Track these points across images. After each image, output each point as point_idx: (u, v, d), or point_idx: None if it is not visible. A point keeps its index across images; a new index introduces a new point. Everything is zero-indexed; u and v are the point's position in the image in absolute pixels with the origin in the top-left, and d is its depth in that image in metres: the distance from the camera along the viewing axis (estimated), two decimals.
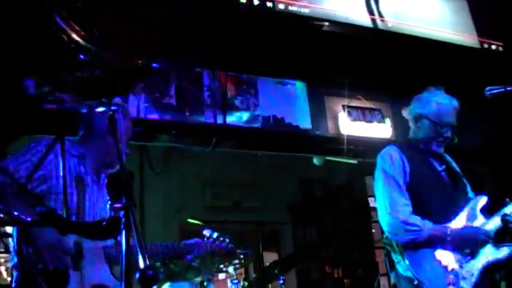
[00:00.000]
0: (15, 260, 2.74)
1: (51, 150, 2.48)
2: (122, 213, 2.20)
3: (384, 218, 3.39)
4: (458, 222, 3.41)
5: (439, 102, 3.55)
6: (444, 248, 3.29)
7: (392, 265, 3.44)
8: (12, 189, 2.70)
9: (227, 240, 3.51)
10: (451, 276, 3.16)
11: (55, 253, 2.68)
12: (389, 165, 3.48)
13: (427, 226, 3.27)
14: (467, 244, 3.28)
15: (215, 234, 3.50)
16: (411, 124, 3.68)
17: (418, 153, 3.57)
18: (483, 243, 3.31)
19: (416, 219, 3.30)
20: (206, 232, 3.50)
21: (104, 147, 3.08)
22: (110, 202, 2.34)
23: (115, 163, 3.07)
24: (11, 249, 2.73)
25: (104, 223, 2.85)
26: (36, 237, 2.68)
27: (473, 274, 3.27)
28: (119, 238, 2.81)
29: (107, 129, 2.95)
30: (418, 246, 3.28)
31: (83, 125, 3.20)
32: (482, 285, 3.30)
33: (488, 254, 3.35)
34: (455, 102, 3.58)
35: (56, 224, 2.67)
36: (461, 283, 3.21)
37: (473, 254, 3.32)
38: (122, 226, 2.50)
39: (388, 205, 3.38)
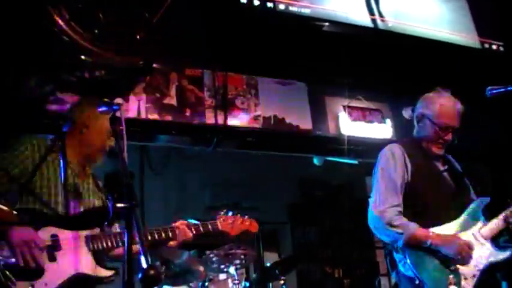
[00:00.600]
0: None
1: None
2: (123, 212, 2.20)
3: (371, 212, 3.42)
4: (459, 224, 3.42)
5: (443, 104, 3.55)
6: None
7: (393, 264, 3.44)
8: None
9: (246, 217, 3.62)
10: (452, 276, 3.16)
11: (27, 250, 2.71)
12: (389, 162, 3.49)
13: (410, 230, 3.26)
14: (447, 250, 3.27)
15: (230, 213, 3.59)
16: (415, 123, 3.69)
17: (420, 153, 3.58)
18: (462, 252, 3.28)
19: (402, 222, 3.30)
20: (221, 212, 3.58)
21: (82, 140, 3.17)
22: (109, 199, 2.38)
23: (96, 156, 3.23)
24: None
25: (81, 214, 3.04)
26: (11, 235, 2.72)
27: (474, 275, 3.27)
28: (106, 228, 3.02)
29: (83, 122, 3.16)
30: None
31: (64, 119, 3.29)
32: (484, 286, 3.30)
33: (490, 255, 3.35)
34: (459, 106, 3.57)
35: (33, 221, 2.78)
36: (463, 283, 3.22)
37: (460, 263, 3.30)
38: (107, 216, 2.65)
39: (378, 201, 3.40)
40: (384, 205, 3.36)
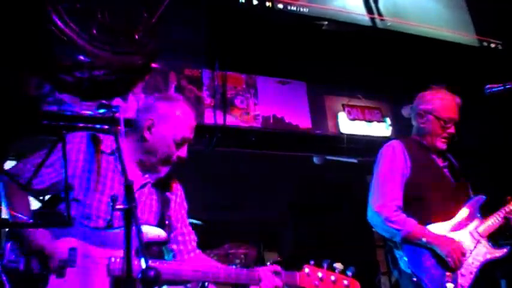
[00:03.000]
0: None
1: (53, 150, 2.40)
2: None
3: (370, 207, 3.43)
4: (456, 221, 3.42)
5: (443, 98, 3.60)
6: None
7: (395, 261, 3.45)
8: (14, 188, 2.60)
9: (349, 273, 2.94)
10: (449, 274, 3.17)
11: (40, 256, 2.46)
12: (389, 157, 3.51)
13: (407, 225, 3.28)
14: (439, 249, 3.28)
15: (339, 267, 2.93)
16: (414, 121, 3.71)
17: (420, 149, 3.60)
18: (454, 256, 3.28)
19: (400, 218, 3.31)
20: (337, 265, 2.90)
21: (143, 146, 2.91)
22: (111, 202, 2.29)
23: (159, 167, 2.94)
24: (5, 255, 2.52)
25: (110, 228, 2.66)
26: (25, 237, 2.49)
27: (471, 272, 3.28)
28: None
29: (146, 126, 2.90)
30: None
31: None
32: (481, 283, 3.31)
33: (487, 252, 3.36)
34: (457, 99, 3.63)
35: (54, 225, 2.55)
36: (460, 280, 3.23)
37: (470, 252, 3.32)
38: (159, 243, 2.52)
39: (377, 196, 3.42)
40: (382, 201, 3.38)
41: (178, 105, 3.02)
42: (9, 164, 3.01)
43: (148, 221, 2.86)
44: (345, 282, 2.86)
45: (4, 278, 2.36)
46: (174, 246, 3.02)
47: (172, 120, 2.99)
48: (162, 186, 3.03)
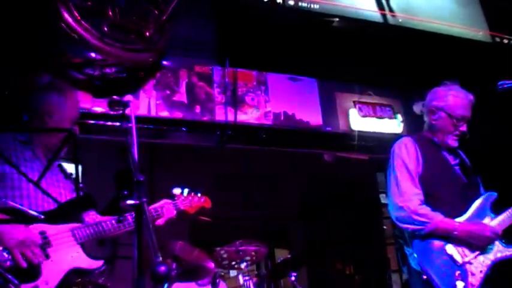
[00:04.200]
0: None
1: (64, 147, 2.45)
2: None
3: (394, 206, 3.40)
4: (467, 218, 3.40)
5: (456, 95, 3.56)
6: (454, 243, 3.28)
7: (404, 259, 3.43)
8: None
9: (199, 194, 3.66)
10: (459, 272, 3.15)
11: (27, 249, 2.69)
12: (403, 153, 3.49)
13: (436, 218, 3.27)
14: (473, 240, 3.27)
15: (186, 191, 3.62)
16: (426, 118, 3.68)
17: (432, 146, 3.57)
18: (489, 241, 3.29)
19: (427, 210, 3.30)
20: (176, 190, 3.59)
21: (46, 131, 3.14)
22: (121, 195, 2.36)
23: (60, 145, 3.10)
24: None
25: (65, 206, 2.96)
26: (4, 236, 2.68)
27: (481, 271, 3.26)
28: (84, 217, 3.01)
29: (46, 111, 3.11)
30: (424, 236, 3.29)
31: (27, 109, 3.21)
32: (495, 282, 3.29)
33: (498, 251, 3.34)
34: (470, 96, 3.59)
35: (19, 219, 2.69)
36: (470, 279, 3.20)
37: (481, 250, 3.30)
38: (85, 205, 2.83)
39: (399, 193, 3.39)
40: (406, 195, 3.36)
41: None
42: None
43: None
44: (202, 200, 3.68)
45: (9, 277, 2.50)
46: None
47: None
48: None
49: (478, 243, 3.27)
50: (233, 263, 5.20)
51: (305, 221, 8.88)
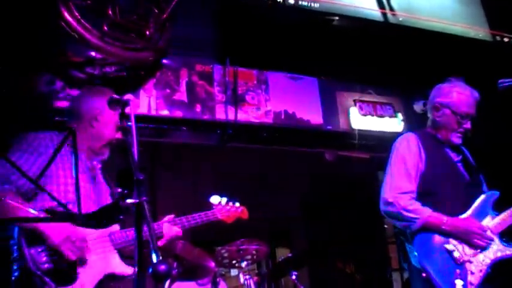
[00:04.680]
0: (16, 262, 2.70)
1: (64, 145, 2.44)
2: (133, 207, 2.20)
3: (384, 200, 3.40)
4: (468, 216, 3.39)
5: (461, 92, 3.55)
6: (454, 241, 3.28)
7: (406, 255, 3.43)
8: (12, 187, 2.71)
9: (237, 203, 3.65)
10: (459, 270, 3.14)
11: (73, 245, 2.68)
12: (404, 149, 3.48)
13: (425, 213, 3.26)
14: (461, 235, 3.26)
15: (224, 200, 3.60)
16: (429, 114, 3.67)
17: (435, 143, 3.56)
18: (476, 237, 3.27)
19: (417, 206, 3.29)
20: (214, 199, 3.57)
21: (91, 133, 3.12)
22: (118, 193, 2.37)
23: (104, 150, 3.18)
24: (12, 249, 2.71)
25: (106, 210, 2.97)
26: (50, 233, 2.67)
27: (481, 269, 3.25)
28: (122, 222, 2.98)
29: (93, 115, 3.12)
30: (419, 232, 3.29)
31: (70, 114, 3.24)
32: (493, 282, 3.28)
33: (498, 250, 3.33)
34: (476, 94, 3.57)
35: (66, 218, 2.66)
36: (469, 277, 3.20)
37: (481, 249, 3.29)
38: (123, 210, 2.76)
39: (391, 188, 3.38)
40: (397, 191, 3.35)
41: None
42: None
43: None
44: (239, 210, 3.68)
45: (47, 280, 2.55)
46: None
47: None
48: None
49: (465, 238, 3.26)
50: (234, 262, 5.21)
51: (306, 220, 8.88)
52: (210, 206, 3.52)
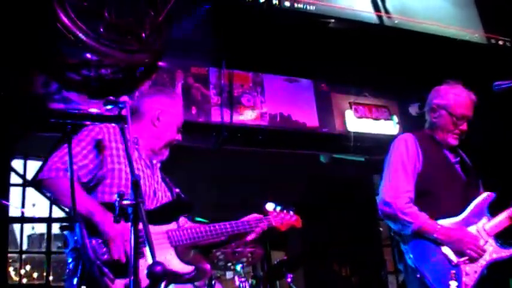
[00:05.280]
0: (73, 252, 2.67)
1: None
2: (131, 209, 2.20)
3: (382, 200, 3.41)
4: (464, 217, 3.40)
5: (458, 94, 3.58)
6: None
7: (401, 256, 3.44)
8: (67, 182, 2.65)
9: (291, 212, 3.64)
10: (454, 272, 3.15)
11: (127, 243, 2.63)
12: (402, 149, 3.49)
13: (420, 219, 3.27)
14: (453, 244, 3.27)
15: (278, 208, 3.58)
16: (427, 116, 3.69)
17: (432, 144, 3.58)
18: (469, 247, 3.28)
19: (413, 210, 3.30)
20: (269, 206, 3.55)
21: (154, 132, 3.12)
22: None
23: (164, 150, 3.20)
24: (70, 241, 2.68)
25: (165, 207, 3.00)
26: (105, 227, 2.66)
27: (476, 271, 3.26)
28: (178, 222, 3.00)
29: (155, 115, 3.13)
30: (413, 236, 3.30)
31: (132, 113, 3.05)
32: (487, 282, 3.29)
33: (493, 252, 3.34)
34: (472, 96, 3.60)
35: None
36: (464, 278, 3.20)
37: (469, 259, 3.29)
38: (182, 209, 2.90)
39: (390, 187, 3.40)
40: (395, 192, 3.36)
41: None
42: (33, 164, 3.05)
43: None
44: (293, 218, 3.67)
45: (106, 270, 2.53)
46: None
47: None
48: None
49: (457, 248, 3.26)
50: (229, 264, 5.20)
51: (302, 222, 8.87)
52: (265, 213, 3.50)
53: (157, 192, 3.09)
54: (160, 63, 5.08)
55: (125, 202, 2.23)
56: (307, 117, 5.90)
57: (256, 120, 5.60)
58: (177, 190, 3.23)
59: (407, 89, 6.18)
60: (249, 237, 3.31)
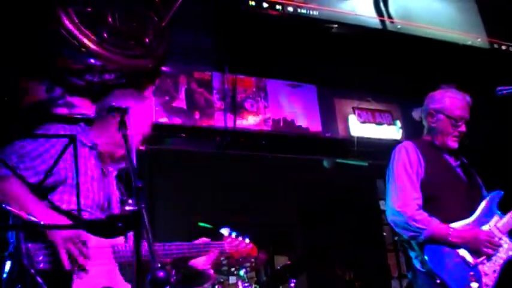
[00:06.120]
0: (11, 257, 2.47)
1: (66, 150, 2.37)
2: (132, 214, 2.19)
3: (391, 210, 3.40)
4: (474, 219, 3.40)
5: (453, 97, 3.61)
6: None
7: (409, 262, 3.44)
8: (17, 183, 2.51)
9: (247, 240, 3.47)
10: (473, 273, 3.15)
11: (74, 246, 2.49)
12: (404, 157, 3.51)
13: (432, 224, 3.27)
14: (470, 245, 3.27)
15: (234, 233, 3.43)
16: (425, 122, 3.71)
17: (433, 149, 3.60)
18: (486, 244, 3.28)
19: (424, 216, 3.30)
20: (224, 231, 3.41)
21: (113, 140, 2.90)
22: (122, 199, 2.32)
23: (122, 159, 2.97)
24: (10, 240, 2.51)
25: (116, 219, 2.83)
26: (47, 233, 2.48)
27: (495, 270, 3.27)
28: (128, 236, 2.77)
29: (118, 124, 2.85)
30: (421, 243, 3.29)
31: (97, 114, 3.06)
32: (506, 281, 3.29)
33: (509, 249, 3.35)
34: (467, 98, 3.63)
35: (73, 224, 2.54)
36: (484, 279, 3.21)
37: (487, 256, 3.29)
38: (133, 223, 2.39)
39: (397, 198, 3.40)
40: (404, 200, 3.37)
41: None
42: None
43: None
44: (249, 247, 3.50)
45: (40, 280, 2.32)
46: None
47: None
48: None
49: (474, 248, 3.27)
50: (232, 269, 5.18)
51: (304, 228, 8.86)
52: (219, 237, 3.40)
53: (111, 202, 2.94)
54: (163, 68, 5.09)
55: (127, 208, 2.22)
56: (311, 122, 5.90)
57: (260, 125, 5.59)
58: (130, 201, 2.96)
59: (410, 93, 6.16)
60: (197, 261, 3.24)
